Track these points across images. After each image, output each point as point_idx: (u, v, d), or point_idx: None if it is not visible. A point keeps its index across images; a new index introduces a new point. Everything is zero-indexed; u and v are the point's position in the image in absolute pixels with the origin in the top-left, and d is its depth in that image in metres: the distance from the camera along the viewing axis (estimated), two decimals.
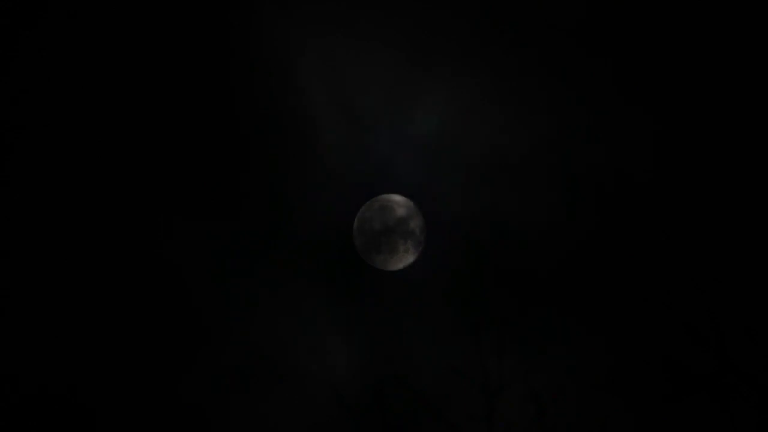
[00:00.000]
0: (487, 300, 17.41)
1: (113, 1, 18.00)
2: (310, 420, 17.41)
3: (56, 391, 17.10)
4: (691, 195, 16.94)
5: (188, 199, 17.95)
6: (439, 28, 18.07)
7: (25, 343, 17.20)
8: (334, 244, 18.07)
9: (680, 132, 17.27)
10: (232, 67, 18.15)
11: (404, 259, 17.95)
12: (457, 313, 17.48)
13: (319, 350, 17.65)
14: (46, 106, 17.76)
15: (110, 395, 17.24)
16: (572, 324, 17.04)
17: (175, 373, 17.47)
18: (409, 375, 17.37)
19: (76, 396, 17.13)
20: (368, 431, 17.33)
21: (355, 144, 18.04)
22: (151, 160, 18.00)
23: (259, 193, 18.17)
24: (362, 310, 17.72)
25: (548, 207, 17.48)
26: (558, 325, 17.14)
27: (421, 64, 18.04)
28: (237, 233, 18.02)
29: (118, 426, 17.16)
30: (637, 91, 17.51)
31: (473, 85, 17.89)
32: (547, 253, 17.35)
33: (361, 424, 17.31)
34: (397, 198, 18.01)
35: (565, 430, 16.86)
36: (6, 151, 17.58)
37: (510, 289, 17.41)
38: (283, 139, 18.22)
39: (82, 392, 17.16)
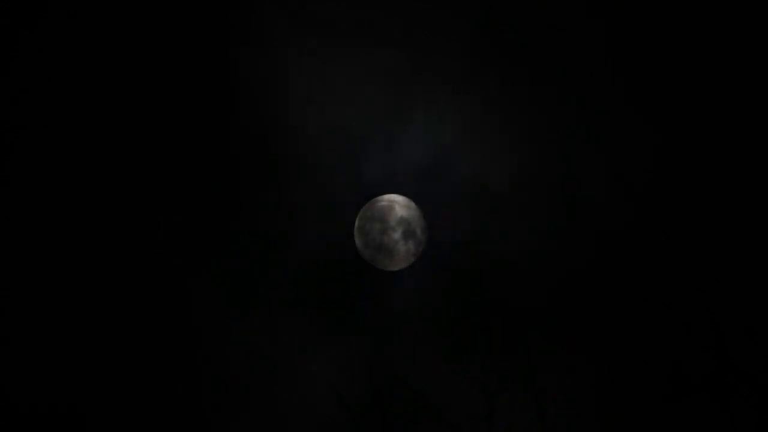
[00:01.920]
0: (487, 300, 17.44)
1: (113, 1, 18.02)
2: (310, 420, 17.41)
3: (52, 393, 17.09)
4: (691, 195, 16.97)
5: (189, 199, 17.94)
6: (437, 40, 18.06)
7: (22, 344, 17.18)
8: (334, 243, 18.07)
9: (679, 132, 17.31)
10: (231, 72, 18.15)
11: (405, 259, 17.96)
12: (457, 314, 17.51)
13: (319, 350, 17.65)
14: (46, 106, 17.74)
15: (107, 397, 17.22)
16: (572, 325, 17.09)
17: (174, 374, 17.46)
18: (409, 375, 17.38)
19: (73, 397, 17.12)
20: (368, 431, 17.35)
21: (348, 159, 18.02)
22: (150, 159, 17.99)
23: (258, 193, 18.17)
24: (363, 310, 17.74)
25: (548, 211, 17.50)
26: (558, 328, 17.19)
27: (416, 78, 18.04)
28: (237, 233, 18.02)
29: (116, 428, 17.15)
30: (636, 94, 17.54)
31: (474, 104, 17.90)
32: (546, 258, 17.38)
33: (361, 424, 17.32)
34: (399, 198, 18.02)
35: (565, 430, 16.89)
36: (6, 151, 17.56)
37: (509, 300, 17.46)
38: (282, 144, 18.20)
39: (79, 394, 17.15)
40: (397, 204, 17.97)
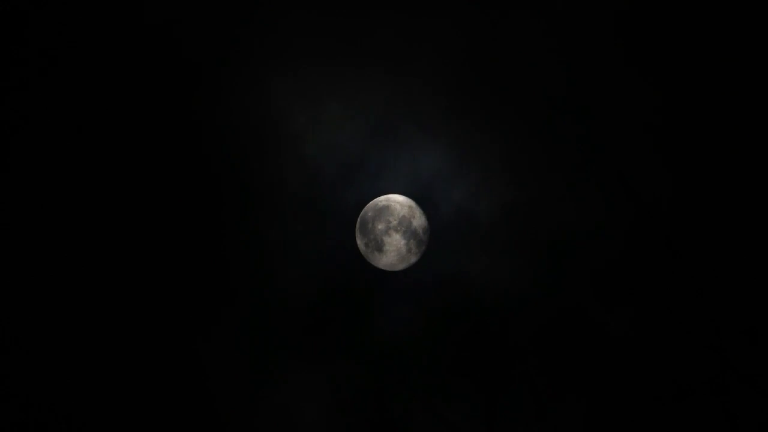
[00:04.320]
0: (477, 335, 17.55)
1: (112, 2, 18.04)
2: (310, 420, 17.44)
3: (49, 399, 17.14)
4: (691, 195, 17.05)
5: (192, 208, 17.94)
6: (429, 65, 18.07)
7: (20, 344, 17.18)
8: (335, 243, 18.10)
9: (679, 134, 17.38)
10: (221, 96, 18.16)
11: (406, 259, 17.99)
12: (458, 314, 17.57)
13: (318, 350, 17.68)
14: (46, 106, 17.75)
15: (106, 400, 17.27)
16: (573, 326, 17.17)
17: (174, 374, 17.49)
18: (409, 375, 17.43)
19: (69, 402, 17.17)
20: (368, 431, 17.38)
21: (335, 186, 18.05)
22: (149, 161, 18.01)
23: (256, 194, 18.19)
24: (363, 310, 17.77)
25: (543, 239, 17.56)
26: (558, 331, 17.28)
27: (405, 105, 18.07)
28: (238, 235, 18.05)
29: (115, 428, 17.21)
30: (635, 107, 17.59)
31: (465, 132, 17.92)
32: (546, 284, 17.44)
33: (361, 424, 17.35)
34: (400, 198, 18.05)
35: (565, 430, 16.94)
36: (6, 151, 17.57)
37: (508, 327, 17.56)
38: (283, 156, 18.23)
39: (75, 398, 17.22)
40: (399, 204, 18.01)
